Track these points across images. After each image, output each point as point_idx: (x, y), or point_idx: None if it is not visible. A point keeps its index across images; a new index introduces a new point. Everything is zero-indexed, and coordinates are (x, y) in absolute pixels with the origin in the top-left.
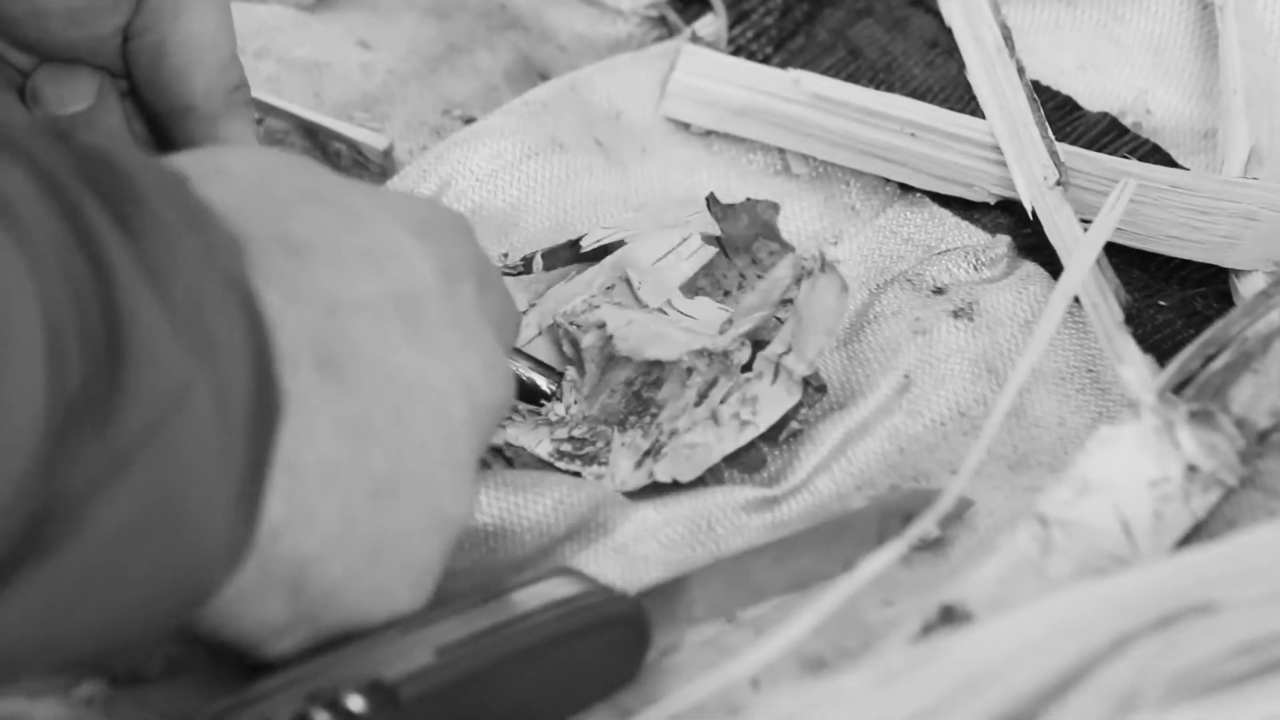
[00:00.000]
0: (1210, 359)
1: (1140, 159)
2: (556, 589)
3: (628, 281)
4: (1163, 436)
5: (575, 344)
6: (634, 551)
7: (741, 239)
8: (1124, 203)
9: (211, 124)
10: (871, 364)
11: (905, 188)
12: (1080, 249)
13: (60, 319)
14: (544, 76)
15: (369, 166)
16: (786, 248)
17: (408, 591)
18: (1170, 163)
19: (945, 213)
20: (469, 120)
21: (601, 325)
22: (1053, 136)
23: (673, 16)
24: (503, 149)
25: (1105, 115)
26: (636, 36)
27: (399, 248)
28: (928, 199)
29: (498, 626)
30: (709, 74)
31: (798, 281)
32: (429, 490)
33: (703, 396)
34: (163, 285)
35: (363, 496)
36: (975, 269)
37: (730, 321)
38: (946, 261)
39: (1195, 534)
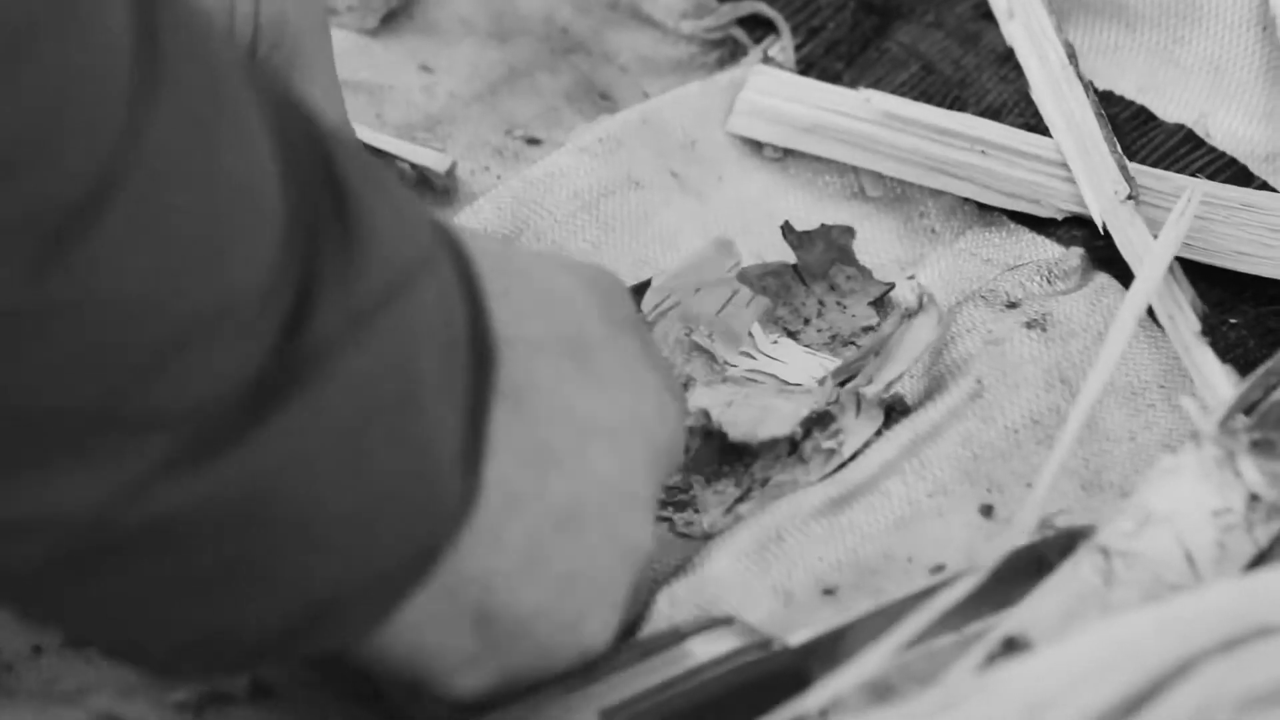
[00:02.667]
0: (1272, 388)
1: (1216, 171)
2: (717, 642)
3: (698, 335)
4: (1225, 466)
5: None
6: (705, 573)
7: (818, 265)
8: (1192, 211)
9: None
10: (944, 378)
11: (983, 209)
12: (1149, 259)
13: (288, 146)
14: (605, 97)
15: (433, 186)
16: (864, 273)
17: (598, 625)
18: (1246, 176)
19: (1022, 229)
20: (531, 140)
21: (704, 412)
22: (1121, 151)
23: (741, 36)
24: (580, 189)
25: (1181, 127)
26: (698, 58)
27: (567, 296)
28: (1005, 217)
29: (661, 686)
30: (778, 93)
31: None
32: (611, 524)
33: (796, 445)
34: (379, 183)
35: (548, 526)
36: (1049, 282)
37: (829, 375)
38: (1020, 275)
39: (1258, 563)
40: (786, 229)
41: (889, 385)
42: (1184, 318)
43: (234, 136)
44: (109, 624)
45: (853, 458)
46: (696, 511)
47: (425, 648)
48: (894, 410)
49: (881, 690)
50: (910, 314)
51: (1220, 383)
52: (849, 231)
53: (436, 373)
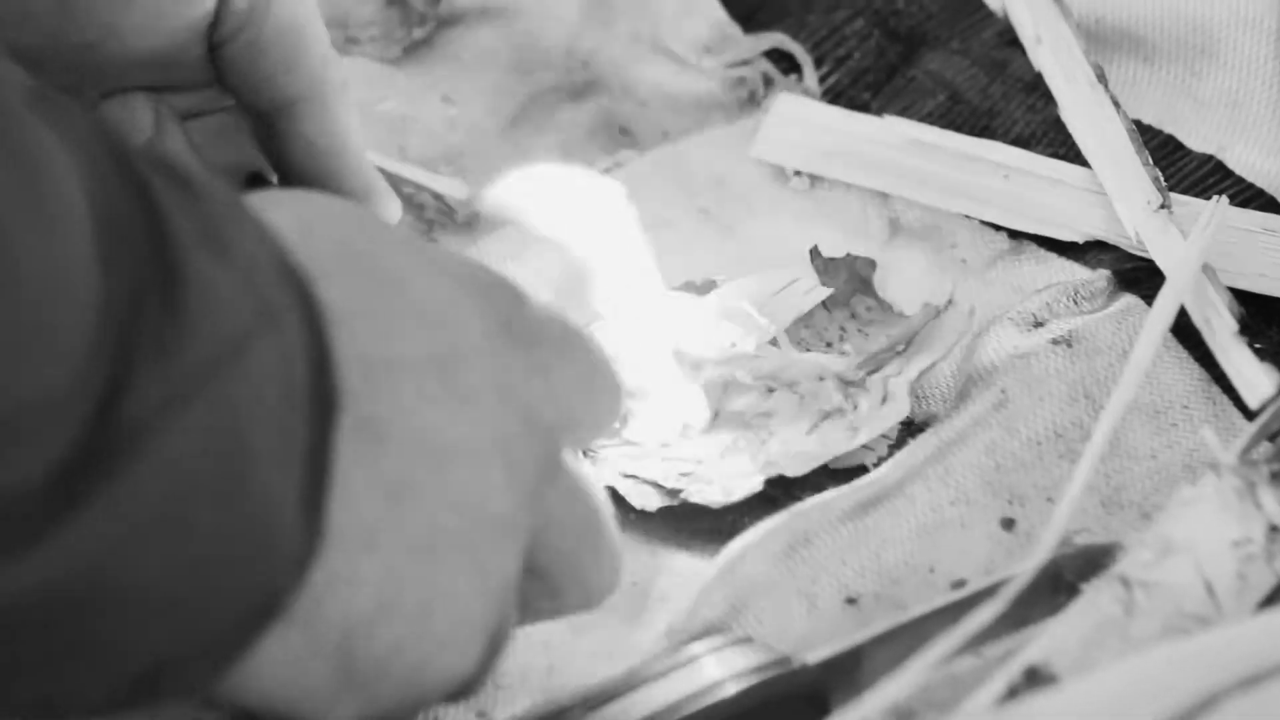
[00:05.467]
0: None
1: (1244, 201)
2: (736, 660)
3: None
4: (1244, 497)
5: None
6: (738, 573)
7: (840, 294)
8: (1219, 218)
9: (322, 112)
10: (970, 388)
11: (1013, 238)
12: (1180, 259)
13: (109, 216)
14: (625, 132)
15: (453, 217)
16: (883, 305)
17: (457, 655)
18: (1276, 206)
19: (1051, 256)
20: None
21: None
22: (1153, 164)
23: (770, 69)
24: None
25: (1210, 157)
26: (718, 93)
27: (443, 307)
28: (1034, 244)
29: (681, 702)
30: (802, 119)
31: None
32: (472, 548)
33: (814, 428)
34: (219, 243)
35: (403, 556)
36: (1075, 303)
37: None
38: (1046, 297)
39: (1278, 594)
40: (814, 253)
41: (921, 374)
42: (1221, 320)
43: (37, 224)
44: None
45: (878, 463)
46: (709, 483)
47: (288, 687)
48: (925, 426)
49: (904, 716)
50: (939, 311)
51: (1261, 381)
52: (870, 264)
53: (270, 436)
